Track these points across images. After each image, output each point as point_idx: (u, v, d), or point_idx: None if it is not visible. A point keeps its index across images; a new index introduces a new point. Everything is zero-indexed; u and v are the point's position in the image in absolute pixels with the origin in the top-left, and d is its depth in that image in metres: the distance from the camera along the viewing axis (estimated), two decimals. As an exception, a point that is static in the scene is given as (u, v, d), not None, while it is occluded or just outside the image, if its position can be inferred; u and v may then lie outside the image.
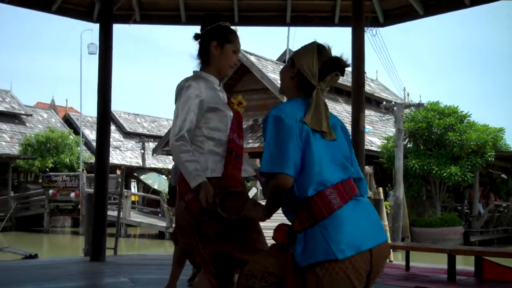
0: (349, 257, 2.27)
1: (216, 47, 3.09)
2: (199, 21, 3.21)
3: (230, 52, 3.12)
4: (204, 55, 3.12)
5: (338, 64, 2.58)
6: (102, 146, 7.74)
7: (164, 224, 23.92)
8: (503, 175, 28.37)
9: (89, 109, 42.80)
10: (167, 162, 36.86)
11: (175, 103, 2.98)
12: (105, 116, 7.67)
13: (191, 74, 3.16)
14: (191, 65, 3.19)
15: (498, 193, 27.75)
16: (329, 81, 2.59)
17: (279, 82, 2.76)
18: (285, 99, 2.67)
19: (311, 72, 2.57)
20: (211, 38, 3.09)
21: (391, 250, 14.66)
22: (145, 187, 35.20)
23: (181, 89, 2.97)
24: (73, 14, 8.01)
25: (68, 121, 39.25)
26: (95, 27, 7.18)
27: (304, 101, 2.54)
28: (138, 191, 33.85)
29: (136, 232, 27.43)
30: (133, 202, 29.33)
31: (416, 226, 21.72)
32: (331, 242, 2.28)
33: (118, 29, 13.40)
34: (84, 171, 29.31)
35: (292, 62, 2.63)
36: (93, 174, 8.73)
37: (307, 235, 2.36)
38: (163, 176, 33.40)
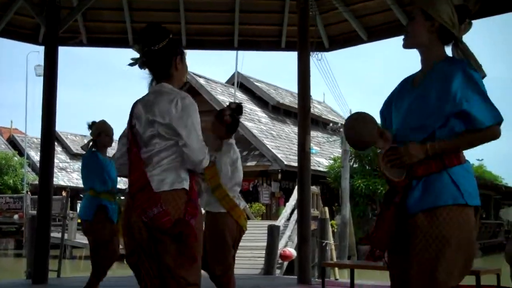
0: (476, 205, 2.33)
1: (179, 62, 3.10)
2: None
3: (186, 62, 3.17)
4: (165, 70, 3.08)
5: (467, 11, 2.45)
6: (46, 167, 7.65)
7: (111, 246, 23.47)
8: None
9: (35, 131, 41.67)
10: (115, 183, 36.23)
11: (178, 115, 2.92)
12: (49, 137, 7.60)
13: (144, 89, 3.17)
14: (137, 85, 3.23)
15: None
16: (464, 30, 2.46)
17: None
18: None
19: (452, 23, 2.43)
20: (172, 54, 3.07)
21: (337, 268, 14.86)
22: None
23: (191, 105, 2.97)
24: (18, 37, 7.98)
25: (12, 142, 38.33)
26: (42, 49, 7.15)
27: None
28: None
29: (82, 253, 26.87)
30: (79, 224, 28.76)
31: (362, 244, 22.02)
32: (462, 189, 2.30)
33: (65, 51, 13.28)
34: (29, 192, 28.66)
35: (427, 15, 2.46)
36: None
37: (428, 181, 2.34)
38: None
